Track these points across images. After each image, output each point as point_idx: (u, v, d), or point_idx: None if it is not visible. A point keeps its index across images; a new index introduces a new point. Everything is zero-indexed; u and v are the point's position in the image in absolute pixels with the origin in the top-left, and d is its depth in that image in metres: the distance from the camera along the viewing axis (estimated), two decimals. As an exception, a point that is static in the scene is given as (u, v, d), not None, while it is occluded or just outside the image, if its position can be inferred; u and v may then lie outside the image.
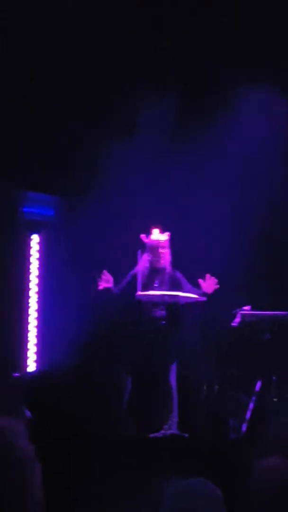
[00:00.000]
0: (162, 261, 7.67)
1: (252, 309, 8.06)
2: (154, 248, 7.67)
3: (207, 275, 7.54)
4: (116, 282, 7.71)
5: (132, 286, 7.50)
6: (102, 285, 7.59)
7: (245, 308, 8.03)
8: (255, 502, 2.41)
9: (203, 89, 9.17)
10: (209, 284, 7.52)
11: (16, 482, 2.02)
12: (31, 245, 9.57)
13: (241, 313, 7.99)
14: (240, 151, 9.14)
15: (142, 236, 7.68)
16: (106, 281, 7.58)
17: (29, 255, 9.53)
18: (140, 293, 7.46)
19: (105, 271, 7.62)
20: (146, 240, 7.69)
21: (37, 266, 9.54)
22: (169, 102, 8.86)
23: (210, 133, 8.88)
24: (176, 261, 7.78)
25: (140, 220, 8.44)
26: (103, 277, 7.60)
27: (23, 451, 2.06)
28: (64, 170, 9.27)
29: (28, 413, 6.37)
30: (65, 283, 9.26)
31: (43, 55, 8.60)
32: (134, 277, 7.56)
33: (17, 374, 8.53)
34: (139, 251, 7.58)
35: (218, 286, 7.51)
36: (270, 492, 2.38)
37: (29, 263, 9.51)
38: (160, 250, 7.66)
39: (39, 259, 9.56)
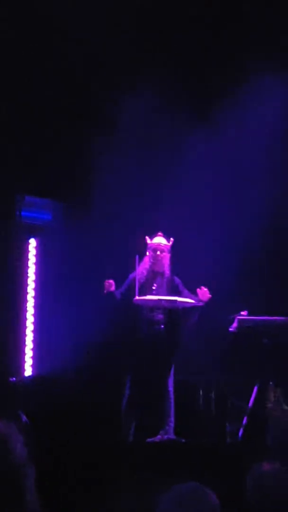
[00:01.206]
0: (160, 264, 7.74)
1: (249, 314, 8.06)
2: (153, 250, 7.76)
3: (202, 286, 7.60)
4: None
5: (131, 289, 7.54)
6: (106, 289, 7.62)
7: (243, 313, 8.03)
8: (251, 507, 2.40)
9: (209, 91, 9.09)
10: (203, 292, 7.59)
11: (11, 485, 2.01)
12: (29, 249, 9.55)
13: (239, 318, 7.99)
14: (241, 151, 9.12)
15: (146, 237, 7.78)
16: (109, 286, 7.62)
17: (27, 259, 9.51)
18: (137, 297, 7.48)
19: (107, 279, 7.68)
20: (148, 242, 7.76)
21: (34, 270, 9.53)
22: (175, 106, 8.81)
23: (210, 142, 8.87)
24: (175, 266, 7.82)
25: (137, 225, 8.45)
26: (106, 282, 7.63)
27: (18, 455, 2.06)
28: (62, 174, 9.26)
29: (24, 418, 6.36)
30: (62, 287, 9.25)
31: (42, 56, 8.57)
32: (134, 280, 7.59)
33: (13, 379, 8.52)
34: (137, 256, 7.62)
35: (210, 296, 7.56)
36: (266, 497, 2.37)
37: (27, 267, 9.49)
38: (159, 253, 7.75)
39: (36, 263, 9.55)
